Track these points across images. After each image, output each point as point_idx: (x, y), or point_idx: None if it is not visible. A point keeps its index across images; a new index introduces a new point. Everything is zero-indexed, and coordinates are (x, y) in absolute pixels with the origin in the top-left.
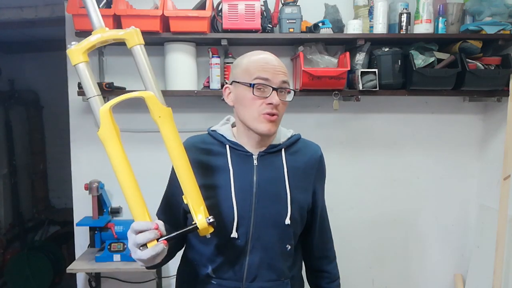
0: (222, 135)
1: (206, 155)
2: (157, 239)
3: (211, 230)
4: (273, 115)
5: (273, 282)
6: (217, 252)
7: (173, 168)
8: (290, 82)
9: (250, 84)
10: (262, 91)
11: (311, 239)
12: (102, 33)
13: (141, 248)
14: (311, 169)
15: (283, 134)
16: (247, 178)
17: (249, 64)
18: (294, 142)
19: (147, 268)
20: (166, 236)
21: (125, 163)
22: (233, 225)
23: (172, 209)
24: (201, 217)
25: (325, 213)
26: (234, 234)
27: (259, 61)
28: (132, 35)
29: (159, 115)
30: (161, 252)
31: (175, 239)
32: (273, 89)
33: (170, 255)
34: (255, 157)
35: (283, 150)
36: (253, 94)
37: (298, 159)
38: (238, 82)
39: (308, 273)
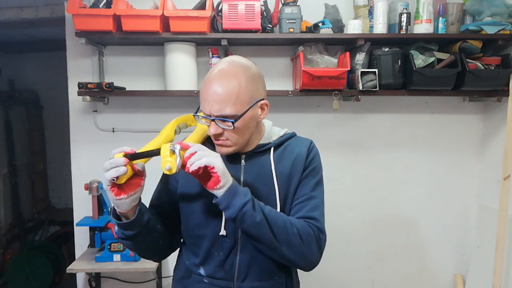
0: None
1: None
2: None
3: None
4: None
5: (265, 282)
6: (208, 251)
7: (161, 180)
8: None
9: (195, 115)
10: (206, 120)
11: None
12: None
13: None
14: (299, 163)
15: (275, 133)
16: (234, 177)
17: (199, 93)
18: (285, 140)
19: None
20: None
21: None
22: (221, 223)
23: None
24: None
25: (311, 199)
26: (222, 232)
27: (201, 92)
28: None
29: None
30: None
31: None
32: (212, 119)
33: (157, 250)
34: (242, 156)
35: (272, 149)
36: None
37: (287, 156)
38: None
39: None
